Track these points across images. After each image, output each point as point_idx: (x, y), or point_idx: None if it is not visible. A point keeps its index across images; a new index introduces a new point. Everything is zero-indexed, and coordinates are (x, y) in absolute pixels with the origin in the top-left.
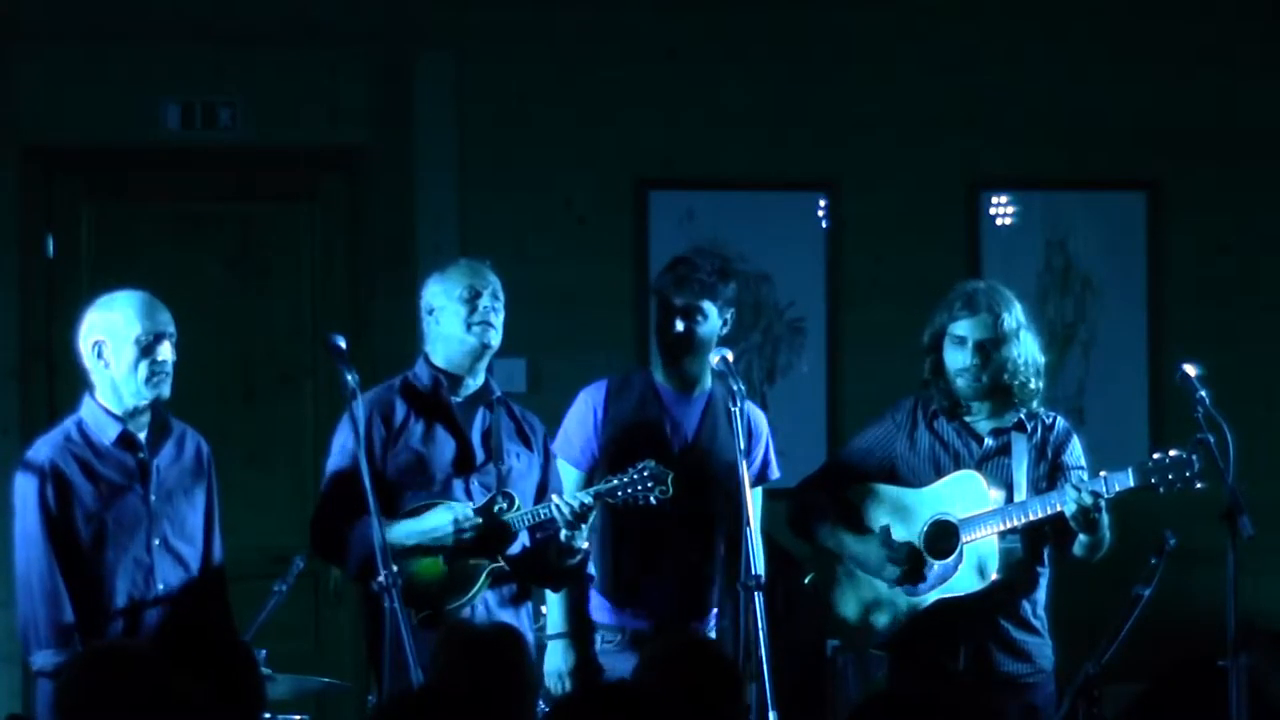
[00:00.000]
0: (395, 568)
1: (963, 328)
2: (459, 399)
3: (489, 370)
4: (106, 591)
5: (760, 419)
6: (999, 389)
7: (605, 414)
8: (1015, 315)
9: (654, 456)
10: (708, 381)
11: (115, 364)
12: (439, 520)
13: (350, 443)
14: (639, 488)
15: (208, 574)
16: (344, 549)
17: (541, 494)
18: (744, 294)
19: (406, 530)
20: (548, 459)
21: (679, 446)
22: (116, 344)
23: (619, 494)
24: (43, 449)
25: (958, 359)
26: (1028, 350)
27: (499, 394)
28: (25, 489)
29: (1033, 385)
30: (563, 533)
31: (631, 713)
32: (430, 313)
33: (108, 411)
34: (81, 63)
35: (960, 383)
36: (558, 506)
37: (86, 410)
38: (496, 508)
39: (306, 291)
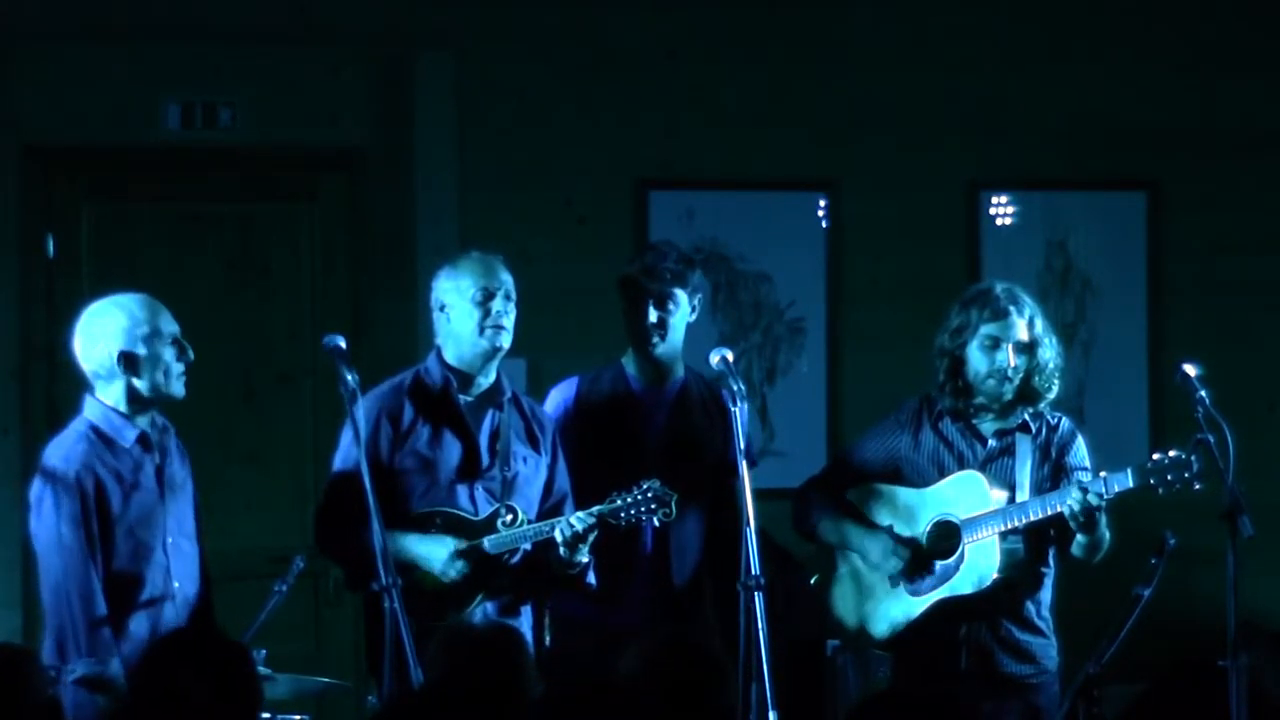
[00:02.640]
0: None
1: (998, 329)
2: (469, 398)
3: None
4: (134, 595)
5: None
6: (1027, 388)
7: (575, 410)
8: (1042, 316)
9: (623, 449)
10: (679, 372)
11: (150, 371)
12: (435, 553)
13: (354, 446)
14: (641, 508)
15: (204, 569)
16: (346, 553)
17: (548, 494)
18: (744, 294)
19: (407, 545)
20: (555, 458)
21: (650, 438)
22: (151, 352)
23: (621, 515)
24: (71, 458)
25: (991, 361)
26: (1055, 351)
27: (510, 393)
28: (58, 500)
29: (1057, 386)
30: (562, 549)
31: (617, 709)
32: (441, 309)
33: (119, 413)
34: (81, 63)
35: (990, 384)
36: (560, 530)
37: (94, 412)
38: (500, 520)
39: (306, 291)
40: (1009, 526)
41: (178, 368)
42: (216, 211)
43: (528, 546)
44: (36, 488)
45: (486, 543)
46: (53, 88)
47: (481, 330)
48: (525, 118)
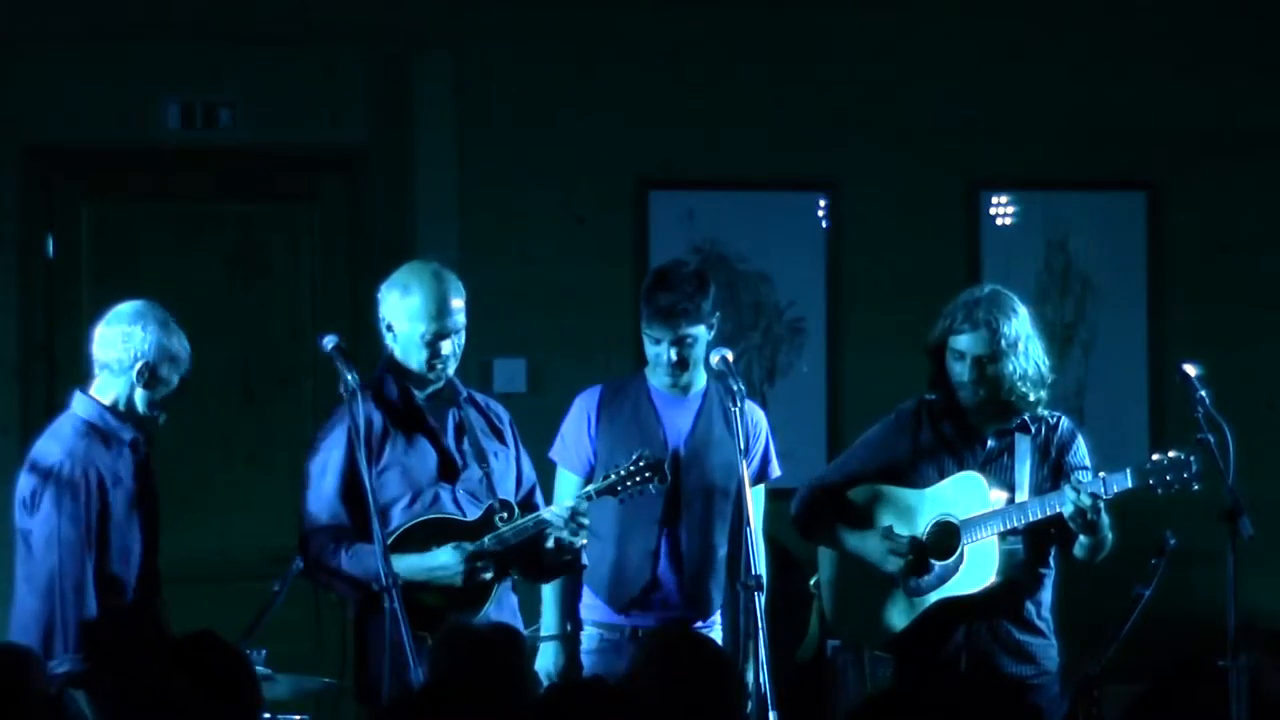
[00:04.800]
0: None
1: (961, 342)
2: (426, 401)
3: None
4: (120, 596)
5: (759, 417)
6: (998, 399)
7: (599, 419)
8: (1016, 326)
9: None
10: (702, 383)
11: (153, 394)
12: (447, 565)
13: (335, 458)
14: (636, 479)
15: (149, 575)
16: (338, 578)
17: (519, 485)
18: (744, 294)
19: (411, 566)
20: (519, 448)
21: (673, 450)
22: (166, 382)
23: (618, 488)
24: (75, 456)
25: (956, 372)
26: (1029, 361)
27: (465, 394)
28: (59, 497)
29: (1032, 396)
30: (564, 534)
31: (623, 707)
32: (388, 329)
33: (115, 412)
34: (81, 63)
35: (960, 394)
36: (557, 515)
37: (88, 409)
38: (497, 517)
39: (306, 291)
40: (1009, 527)
41: (169, 403)
42: (216, 211)
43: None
44: (32, 484)
45: (489, 541)
46: (53, 88)
47: (428, 367)
48: (525, 118)
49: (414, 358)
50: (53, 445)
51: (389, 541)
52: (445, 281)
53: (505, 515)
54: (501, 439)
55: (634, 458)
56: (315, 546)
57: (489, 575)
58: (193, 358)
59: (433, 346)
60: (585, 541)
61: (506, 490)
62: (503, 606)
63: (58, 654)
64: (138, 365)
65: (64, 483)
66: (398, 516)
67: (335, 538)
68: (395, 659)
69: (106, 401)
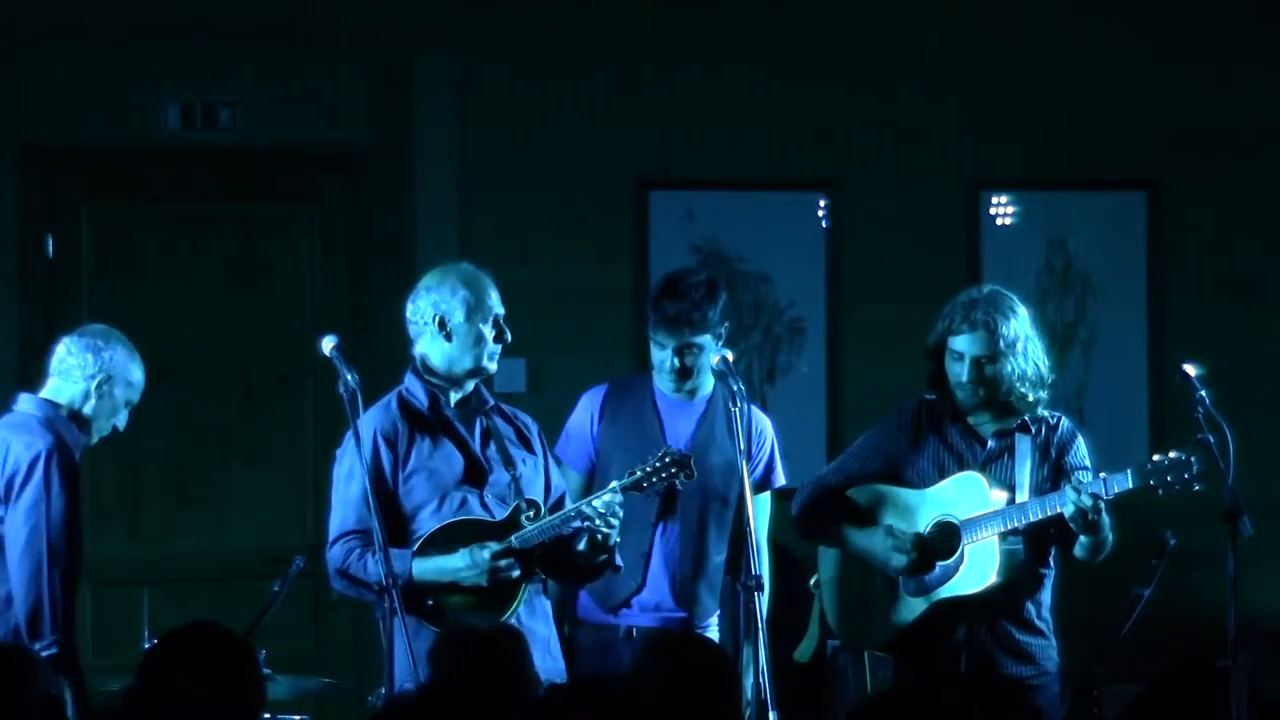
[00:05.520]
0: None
1: (960, 343)
2: (454, 408)
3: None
4: (78, 579)
5: (764, 424)
6: (997, 400)
7: (601, 418)
8: (1015, 327)
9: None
10: (708, 387)
11: (101, 407)
12: (470, 559)
13: (359, 464)
14: (663, 475)
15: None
16: (365, 582)
17: (548, 492)
18: (744, 294)
19: (436, 568)
20: (548, 458)
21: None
22: (114, 402)
23: (644, 484)
24: (54, 444)
25: (955, 372)
26: (1028, 361)
27: (491, 403)
28: (45, 481)
29: (1032, 397)
30: (599, 532)
31: (622, 706)
32: (440, 325)
33: (71, 414)
34: (81, 63)
35: (959, 395)
36: (595, 509)
37: (42, 409)
38: (523, 516)
39: (306, 291)
40: (1009, 527)
41: (106, 426)
42: (216, 211)
43: (546, 540)
44: (9, 473)
45: (516, 540)
46: (53, 88)
47: (488, 356)
48: (525, 118)
49: (470, 351)
50: (28, 437)
51: (415, 546)
52: (483, 274)
53: (531, 514)
54: (529, 448)
55: (659, 453)
56: (342, 552)
57: (515, 574)
58: (142, 393)
59: (496, 328)
60: (619, 540)
61: (536, 495)
62: (535, 610)
63: (45, 636)
64: (100, 375)
65: (52, 468)
66: (427, 521)
67: (362, 543)
68: (395, 657)
69: (62, 402)
